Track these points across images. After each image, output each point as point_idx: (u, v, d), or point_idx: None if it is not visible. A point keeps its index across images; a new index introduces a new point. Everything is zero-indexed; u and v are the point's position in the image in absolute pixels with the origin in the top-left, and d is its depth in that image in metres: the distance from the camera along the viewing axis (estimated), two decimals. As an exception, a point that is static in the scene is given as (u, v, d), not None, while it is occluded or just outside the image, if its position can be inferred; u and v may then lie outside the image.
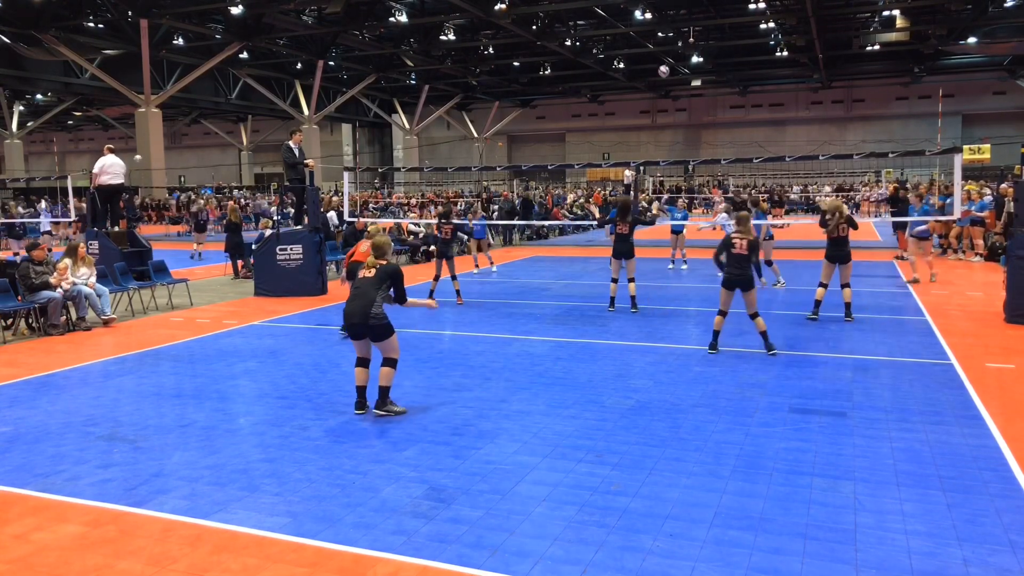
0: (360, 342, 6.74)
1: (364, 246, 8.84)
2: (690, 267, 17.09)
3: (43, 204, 27.66)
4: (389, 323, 6.65)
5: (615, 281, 11.87)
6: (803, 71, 43.57)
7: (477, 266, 17.15)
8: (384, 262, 6.78)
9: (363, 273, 6.80)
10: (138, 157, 30.71)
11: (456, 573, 4.03)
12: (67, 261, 11.29)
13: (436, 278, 12.71)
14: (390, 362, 6.70)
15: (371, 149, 62.49)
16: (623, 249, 11.53)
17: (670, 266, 17.16)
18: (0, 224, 25.94)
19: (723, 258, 8.81)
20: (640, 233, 13.69)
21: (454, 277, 12.83)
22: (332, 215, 19.61)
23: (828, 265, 10.53)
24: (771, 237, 14.68)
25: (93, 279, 11.55)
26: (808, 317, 10.70)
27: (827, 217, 10.56)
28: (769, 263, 13.86)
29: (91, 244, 14.27)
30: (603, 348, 9.31)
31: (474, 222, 16.66)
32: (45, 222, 26.77)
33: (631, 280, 11.70)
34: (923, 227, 14.68)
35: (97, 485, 5.29)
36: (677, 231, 17.18)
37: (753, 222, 12.90)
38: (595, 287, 14.59)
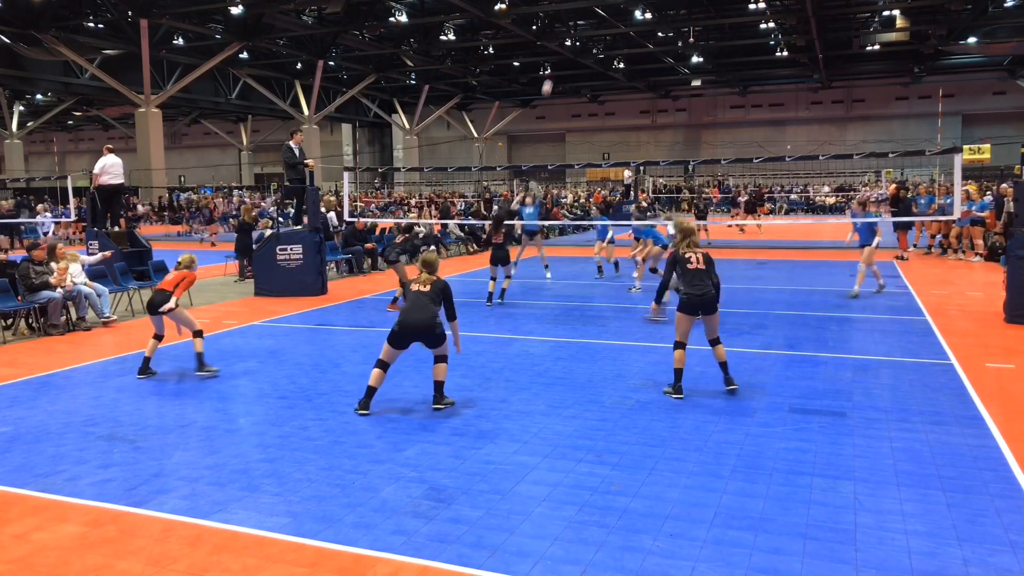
0: (398, 351, 6.83)
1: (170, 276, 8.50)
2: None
3: (43, 207, 27.62)
4: (445, 333, 6.93)
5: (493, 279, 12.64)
6: (803, 71, 43.57)
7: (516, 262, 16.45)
8: (435, 278, 6.97)
9: (417, 287, 6.94)
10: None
11: (456, 573, 4.03)
12: (65, 262, 11.28)
13: (494, 279, 12.75)
14: (444, 359, 6.94)
15: (371, 149, 62.49)
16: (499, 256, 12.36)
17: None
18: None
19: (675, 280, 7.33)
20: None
21: (509, 276, 12.95)
22: (332, 216, 19.60)
23: None
24: (613, 241, 14.97)
25: (78, 268, 11.56)
26: None
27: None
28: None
29: (91, 244, 14.28)
30: (603, 348, 9.31)
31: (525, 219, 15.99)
32: (47, 222, 26.76)
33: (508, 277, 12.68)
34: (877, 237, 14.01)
35: (97, 485, 5.28)
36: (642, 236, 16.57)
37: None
38: (595, 287, 14.60)
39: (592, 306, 12.44)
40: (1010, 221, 12.99)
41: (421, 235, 20.74)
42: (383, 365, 6.85)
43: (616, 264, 16.48)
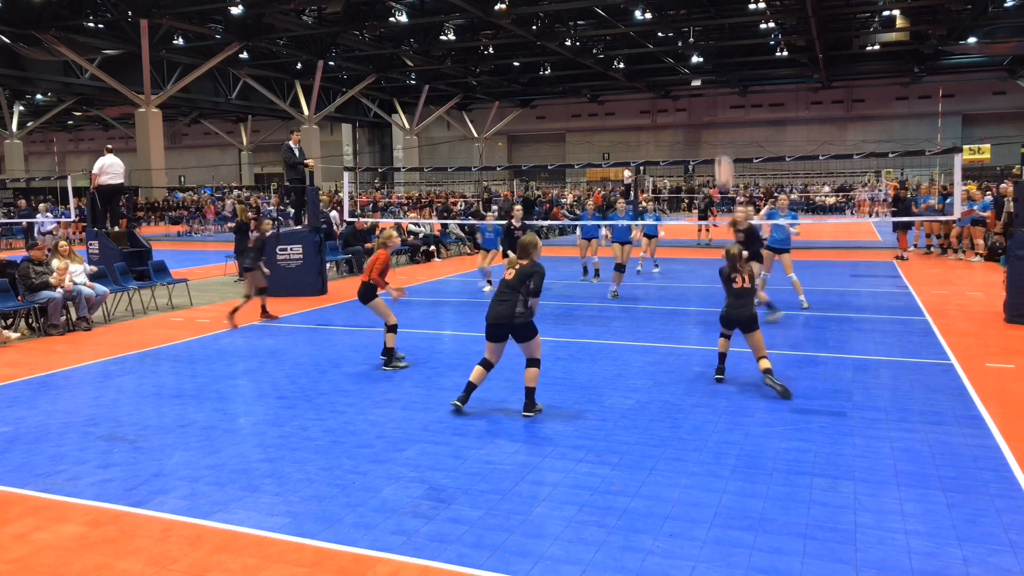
0: (497, 345, 6.67)
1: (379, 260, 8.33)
2: (669, 268, 16.89)
3: (42, 208, 27.53)
4: (533, 322, 6.64)
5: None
6: (803, 71, 43.59)
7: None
8: (526, 262, 6.67)
9: (506, 275, 6.69)
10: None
11: (456, 573, 4.03)
12: (66, 261, 11.28)
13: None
14: (535, 363, 6.67)
15: (371, 149, 62.50)
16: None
17: (638, 269, 16.44)
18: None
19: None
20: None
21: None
22: (335, 214, 19.59)
23: None
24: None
25: (78, 268, 11.54)
26: None
27: None
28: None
29: (91, 244, 14.28)
30: (603, 348, 9.31)
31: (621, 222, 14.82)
32: (46, 223, 26.75)
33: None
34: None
35: (97, 485, 5.28)
36: (650, 234, 16.24)
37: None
38: (595, 287, 14.59)
39: (592, 306, 12.44)
40: (1010, 221, 13.00)
41: (421, 235, 20.80)
42: (487, 364, 6.72)
43: (595, 269, 15.74)
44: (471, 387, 6.75)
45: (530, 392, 6.67)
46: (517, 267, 6.67)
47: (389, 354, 8.43)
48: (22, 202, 30.59)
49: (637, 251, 14.09)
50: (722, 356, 7.71)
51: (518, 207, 14.25)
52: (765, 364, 7.21)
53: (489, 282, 14.33)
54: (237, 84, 45.94)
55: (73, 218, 22.00)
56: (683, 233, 25.30)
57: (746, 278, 7.49)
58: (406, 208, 35.20)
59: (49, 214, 24.77)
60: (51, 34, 30.30)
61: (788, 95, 50.81)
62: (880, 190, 38.96)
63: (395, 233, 8.77)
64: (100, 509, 4.91)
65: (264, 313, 11.53)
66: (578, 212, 31.29)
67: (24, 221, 26.59)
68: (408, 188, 50.51)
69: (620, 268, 13.17)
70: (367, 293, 8.31)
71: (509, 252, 10.81)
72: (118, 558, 4.28)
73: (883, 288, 13.77)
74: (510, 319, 6.53)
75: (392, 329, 8.43)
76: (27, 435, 6.38)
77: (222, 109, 50.53)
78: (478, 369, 6.75)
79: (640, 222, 15.73)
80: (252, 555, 4.27)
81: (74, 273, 11.34)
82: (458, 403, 6.72)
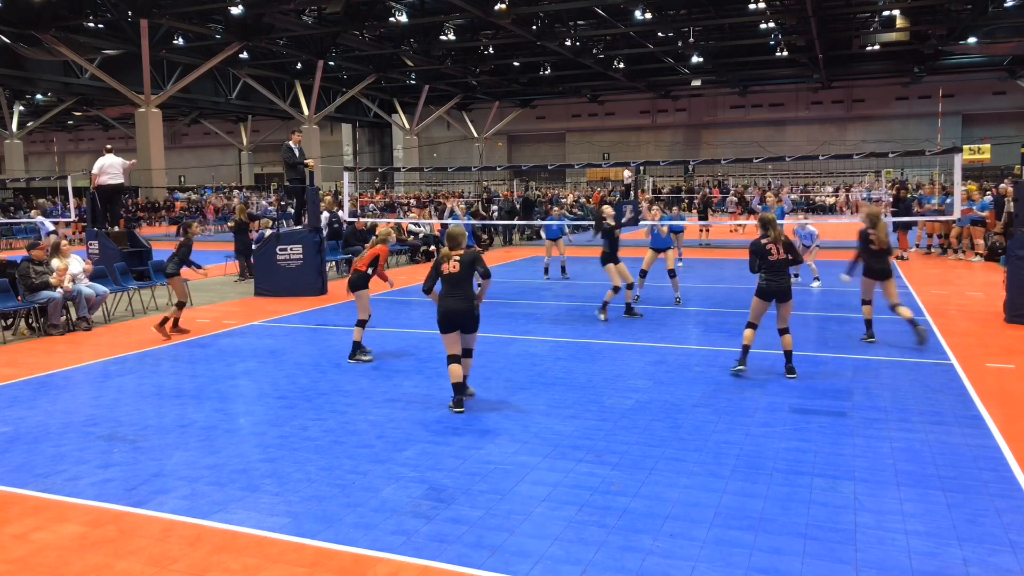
0: (455, 336, 6.81)
1: (365, 254, 8.87)
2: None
3: (33, 213, 27.45)
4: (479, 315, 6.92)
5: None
6: (803, 71, 43.56)
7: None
8: (460, 252, 6.86)
9: (447, 268, 6.82)
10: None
11: (456, 573, 4.03)
12: (66, 261, 11.28)
13: (616, 289, 11.11)
14: (470, 353, 7.04)
15: (371, 149, 62.48)
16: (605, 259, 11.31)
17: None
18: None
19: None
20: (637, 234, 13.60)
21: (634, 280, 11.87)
22: (342, 214, 19.56)
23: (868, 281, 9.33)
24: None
25: (79, 268, 11.54)
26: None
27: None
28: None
29: (91, 244, 14.27)
30: (603, 348, 9.31)
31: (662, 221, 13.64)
32: (47, 224, 26.72)
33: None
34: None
35: (97, 485, 5.29)
36: (676, 230, 16.69)
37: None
38: (595, 287, 14.58)
39: (592, 306, 12.42)
40: (1010, 221, 12.99)
41: (421, 235, 20.79)
42: (454, 359, 6.83)
43: (561, 266, 16.11)
44: (459, 387, 6.88)
45: (464, 377, 7.00)
46: (456, 259, 6.82)
47: (355, 348, 8.82)
48: (35, 212, 30.46)
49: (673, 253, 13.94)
50: (746, 349, 7.96)
51: (607, 207, 13.80)
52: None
53: (546, 269, 16.16)
54: (237, 84, 45.91)
55: (73, 218, 22.01)
56: (683, 233, 25.23)
57: (780, 248, 7.80)
58: (406, 208, 35.18)
59: (43, 219, 24.58)
60: (51, 34, 30.27)
61: (788, 95, 50.79)
62: (879, 191, 38.94)
63: (392, 231, 9.31)
64: (100, 509, 4.91)
65: (167, 324, 10.31)
66: (578, 212, 31.30)
67: (23, 222, 26.57)
68: (408, 188, 50.49)
69: (643, 274, 12.93)
70: (359, 282, 8.70)
71: (612, 261, 10.99)
72: (118, 558, 4.28)
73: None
74: (469, 310, 6.75)
75: (362, 324, 8.80)
76: (27, 435, 6.39)
77: (222, 109, 50.50)
78: (454, 367, 6.85)
79: (665, 223, 15.52)
80: (252, 555, 4.27)
81: (74, 272, 11.34)
82: (459, 408, 6.78)
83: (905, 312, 9.06)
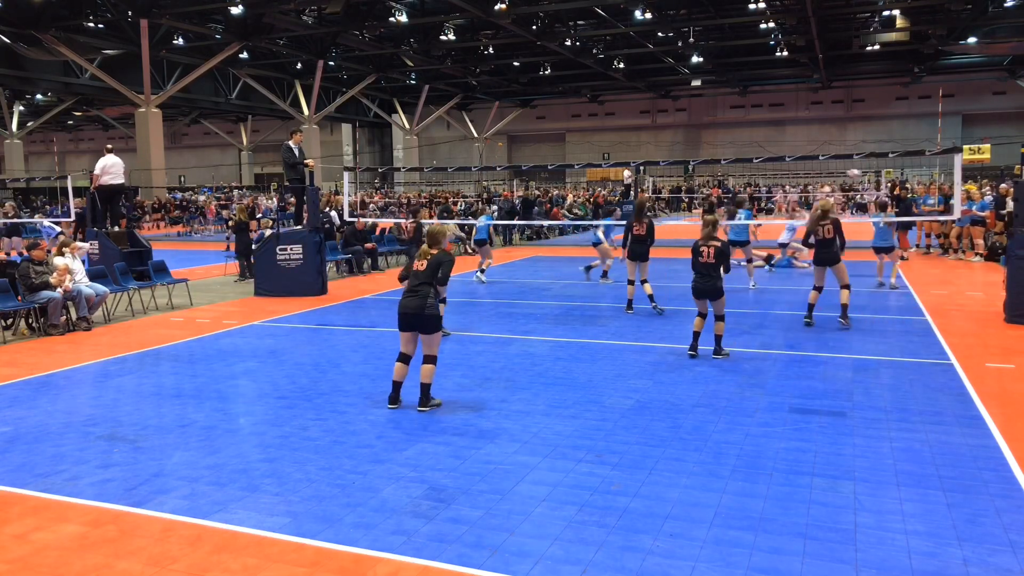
0: (409, 335, 6.76)
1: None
2: (669, 268, 16.77)
3: (40, 217, 27.46)
4: (439, 317, 6.76)
5: (631, 283, 11.58)
6: (803, 71, 43.58)
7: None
8: (436, 251, 6.80)
9: (416, 265, 6.76)
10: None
11: (456, 573, 4.03)
12: (66, 261, 11.28)
13: (631, 282, 11.59)
14: (432, 359, 6.77)
15: (371, 149, 62.50)
16: (639, 251, 11.34)
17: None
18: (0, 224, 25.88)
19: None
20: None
21: (645, 280, 11.58)
22: (334, 214, 19.57)
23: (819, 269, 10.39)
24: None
25: (79, 267, 11.53)
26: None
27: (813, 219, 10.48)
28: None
29: (91, 244, 14.27)
30: (603, 348, 9.31)
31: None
32: (52, 226, 26.69)
33: (644, 281, 11.48)
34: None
35: (97, 485, 5.28)
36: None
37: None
38: (595, 287, 14.59)
39: (592, 306, 12.43)
40: (1010, 221, 13.00)
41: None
42: (404, 357, 6.82)
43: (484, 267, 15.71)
44: (397, 386, 6.87)
45: (426, 388, 6.81)
46: (428, 258, 6.77)
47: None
48: (41, 215, 30.39)
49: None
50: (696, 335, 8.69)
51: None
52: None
53: (591, 267, 15.87)
54: (237, 84, 45.92)
55: (72, 218, 21.98)
56: (683, 233, 25.25)
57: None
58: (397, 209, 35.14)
59: (47, 221, 24.51)
60: (51, 34, 30.28)
61: (788, 95, 50.82)
62: (877, 191, 38.93)
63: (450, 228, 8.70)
64: (100, 509, 4.91)
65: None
66: (578, 212, 31.30)
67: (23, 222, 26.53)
68: (408, 188, 50.50)
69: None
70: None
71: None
72: (118, 558, 4.28)
73: (883, 288, 13.76)
74: (421, 310, 6.63)
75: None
76: (27, 435, 6.38)
77: (222, 109, 50.52)
78: (399, 366, 6.84)
79: (743, 222, 15.43)
80: (252, 555, 4.27)
81: (75, 271, 11.34)
82: (393, 404, 6.83)
83: (843, 297, 10.33)
